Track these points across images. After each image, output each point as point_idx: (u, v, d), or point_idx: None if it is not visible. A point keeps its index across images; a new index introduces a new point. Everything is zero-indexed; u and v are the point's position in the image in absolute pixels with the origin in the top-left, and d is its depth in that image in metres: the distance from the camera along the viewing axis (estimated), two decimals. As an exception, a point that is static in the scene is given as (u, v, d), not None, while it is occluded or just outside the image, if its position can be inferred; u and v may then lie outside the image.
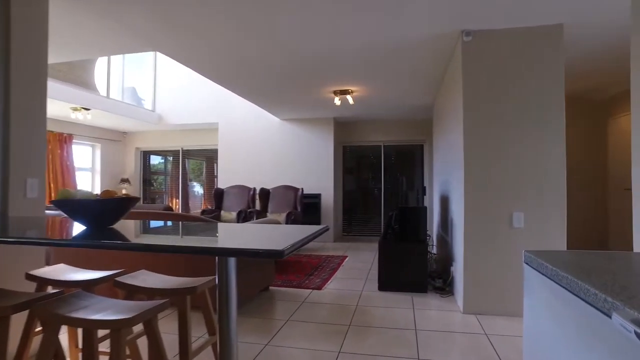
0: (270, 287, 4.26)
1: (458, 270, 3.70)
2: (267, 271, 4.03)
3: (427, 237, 4.33)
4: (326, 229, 1.78)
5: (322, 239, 7.72)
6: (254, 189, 7.33)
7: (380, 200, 8.23)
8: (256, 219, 6.62)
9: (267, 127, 8.03)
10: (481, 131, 3.36)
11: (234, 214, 6.98)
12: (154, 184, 10.36)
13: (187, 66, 4.70)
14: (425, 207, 4.22)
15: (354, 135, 8.31)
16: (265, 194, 7.24)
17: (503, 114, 3.33)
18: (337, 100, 5.70)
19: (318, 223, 7.75)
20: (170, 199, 10.26)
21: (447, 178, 4.63)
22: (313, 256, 6.10)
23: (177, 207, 9.73)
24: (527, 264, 1.39)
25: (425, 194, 7.96)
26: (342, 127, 8.31)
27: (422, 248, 4.07)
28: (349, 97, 5.67)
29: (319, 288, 4.24)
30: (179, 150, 9.53)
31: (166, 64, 8.54)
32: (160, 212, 3.53)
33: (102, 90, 7.43)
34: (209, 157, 9.59)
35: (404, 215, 4.20)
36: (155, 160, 10.41)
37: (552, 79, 3.27)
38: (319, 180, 7.75)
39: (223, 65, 4.57)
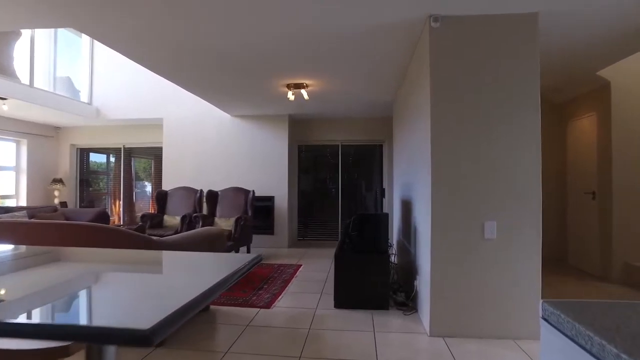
0: (211, 306, 3.70)
1: (423, 284, 3.30)
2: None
3: (389, 247, 3.92)
4: (257, 261, 1.30)
5: (276, 244, 7.20)
6: (201, 191, 6.70)
7: (338, 202, 7.82)
8: (202, 224, 6.00)
9: (216, 124, 7.41)
10: (451, 130, 2.98)
11: (178, 219, 6.32)
12: (94, 184, 9.43)
13: (117, 51, 4.05)
14: (387, 214, 3.81)
15: (311, 134, 7.85)
16: (212, 196, 6.62)
17: (474, 110, 2.96)
18: (290, 95, 5.20)
19: (270, 228, 7.22)
20: (113, 201, 9.36)
21: (409, 181, 4.26)
22: (264, 265, 5.57)
23: (119, 210, 8.88)
24: (545, 320, 0.96)
25: (384, 197, 7.63)
26: (298, 125, 7.82)
27: (384, 260, 3.65)
28: (303, 92, 5.19)
29: (268, 306, 3.72)
30: (120, 148, 8.68)
31: (104, 52, 7.69)
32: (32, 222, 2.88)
33: (25, 78, 6.52)
34: (158, 155, 8.79)
35: (363, 223, 3.77)
36: (97, 158, 9.49)
37: (526, 72, 2.93)
38: (272, 182, 7.22)
39: (157, 50, 3.95)
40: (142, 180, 9.45)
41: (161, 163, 8.50)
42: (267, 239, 7.20)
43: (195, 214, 6.10)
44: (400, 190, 5.15)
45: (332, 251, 6.86)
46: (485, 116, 2.94)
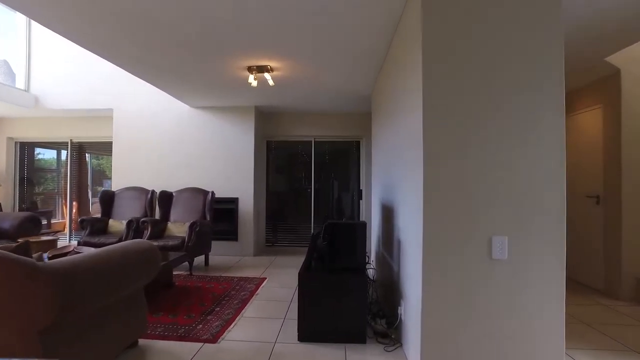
0: (141, 341, 2.90)
1: (410, 313, 2.60)
2: (134, 312, 2.68)
3: (367, 263, 3.20)
4: None
5: (240, 252, 6.40)
6: (152, 192, 5.84)
7: (311, 204, 7.08)
8: (151, 230, 5.16)
9: (174, 117, 6.55)
10: (450, 119, 2.27)
11: (124, 224, 5.44)
12: (43, 184, 8.39)
13: (51, 29, 3.22)
14: (364, 224, 3.08)
15: (281, 129, 7.08)
16: (166, 198, 5.78)
17: (481, 96, 2.26)
18: (252, 80, 4.42)
19: (233, 233, 6.41)
20: (64, 202, 8.35)
21: (391, 183, 3.55)
22: (222, 279, 4.77)
23: (70, 212, 7.90)
24: None
25: (361, 199, 6.93)
26: (266, 118, 7.04)
27: (361, 282, 2.92)
28: (267, 77, 4.42)
29: (215, 339, 2.95)
30: (67, 143, 7.69)
31: (44, 31, 6.72)
32: None
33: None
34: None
35: (336, 234, 3.03)
36: (46, 154, 8.46)
37: (547, 45, 2.25)
38: (236, 182, 6.41)
39: (92, 23, 3.11)
40: (109, 178, 8.47)
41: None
42: (229, 246, 6.39)
43: (143, 219, 5.25)
44: (380, 193, 4.44)
45: (302, 259, 6.13)
46: (495, 102, 2.25)
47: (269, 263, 5.87)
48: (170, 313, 3.53)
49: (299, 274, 2.98)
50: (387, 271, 3.61)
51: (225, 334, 3.07)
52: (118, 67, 4.58)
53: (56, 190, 8.29)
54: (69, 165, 7.72)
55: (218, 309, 3.65)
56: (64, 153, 7.98)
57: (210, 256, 5.94)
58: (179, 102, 6.41)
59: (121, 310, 2.54)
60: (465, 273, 2.24)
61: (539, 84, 2.22)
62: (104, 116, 7.07)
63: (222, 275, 5.02)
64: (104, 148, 7.79)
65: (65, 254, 3.69)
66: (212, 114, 6.50)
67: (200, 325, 3.22)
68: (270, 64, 4.26)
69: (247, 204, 6.39)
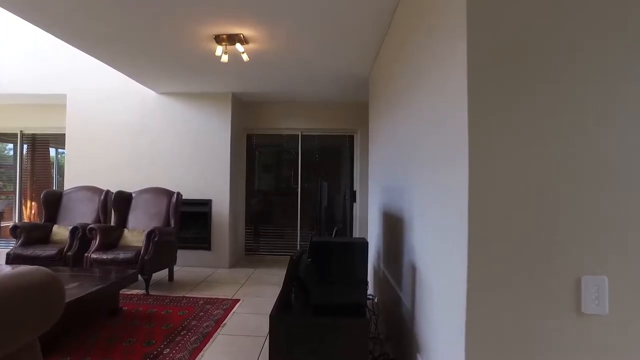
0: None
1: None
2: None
3: (368, 297, 2.33)
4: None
5: (212, 264, 5.48)
6: (107, 193, 4.89)
7: (297, 206, 6.18)
8: (100, 239, 4.22)
9: (137, 104, 5.60)
10: (514, 101, 1.39)
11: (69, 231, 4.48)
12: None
13: None
14: (365, 243, 2.18)
15: (263, 120, 6.16)
16: (123, 200, 4.83)
17: (562, 55, 1.38)
18: (220, 53, 3.51)
19: (205, 241, 5.49)
20: (24, 201, 7.33)
21: (399, 186, 2.67)
22: (185, 301, 3.86)
23: (29, 213, 6.90)
24: None
25: (355, 201, 6.05)
26: (247, 108, 6.12)
27: (360, 329, 2.03)
28: (240, 49, 3.51)
29: (149, 410, 2.05)
30: (17, 134, 6.69)
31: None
32: None
33: None
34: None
35: (325, 257, 2.14)
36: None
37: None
38: (210, 181, 5.49)
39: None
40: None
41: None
42: (201, 257, 5.47)
43: (91, 226, 4.30)
44: (381, 197, 3.56)
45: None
46: (584, 65, 1.37)
47: (247, 277, 4.97)
48: (106, 347, 2.62)
49: (270, 317, 2.07)
50: (391, 300, 2.74)
51: (166, 399, 2.17)
52: (71, 46, 3.70)
53: (12, 189, 7.27)
54: (19, 160, 6.71)
55: (168, 350, 2.74)
56: (23, 146, 6.96)
57: (176, 269, 5.02)
58: (143, 87, 5.47)
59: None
60: (534, 336, 1.36)
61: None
62: (60, 104, 6.08)
63: (187, 295, 4.10)
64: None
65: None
66: (181, 102, 5.57)
67: (136, 382, 2.32)
68: (243, 32, 3.35)
69: (222, 207, 5.47)
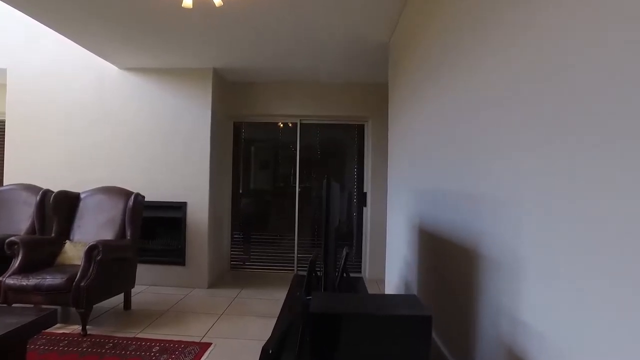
0: None
1: None
2: None
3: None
4: None
5: (188, 283, 4.36)
6: (45, 193, 3.77)
7: (295, 210, 5.07)
8: (24, 257, 3.10)
9: (94, 82, 4.48)
10: None
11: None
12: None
13: None
14: (428, 318, 1.06)
15: (253, 105, 5.03)
16: (66, 203, 3.70)
17: None
18: (180, -11, 2.40)
19: (179, 254, 4.37)
20: None
21: (472, 194, 1.55)
22: (132, 347, 2.74)
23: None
24: None
25: (365, 205, 4.94)
26: (232, 90, 5.00)
27: None
28: (210, -16, 2.40)
29: None
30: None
31: None
32: None
33: None
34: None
35: (339, 341, 1.01)
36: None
37: None
38: (184, 179, 4.37)
39: None
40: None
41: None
42: (173, 274, 4.35)
43: (11, 239, 3.16)
44: (415, 205, 2.43)
45: (282, 293, 4.15)
46: None
47: (228, 303, 3.86)
48: None
49: None
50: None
51: None
52: (9, 7, 2.62)
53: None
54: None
55: None
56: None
57: (141, 290, 3.91)
58: (103, 62, 4.35)
59: None
60: None
61: None
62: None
63: (139, 335, 2.98)
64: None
65: None
66: (149, 80, 4.44)
67: None
68: (212, -45, 2.23)
69: (199, 212, 4.34)
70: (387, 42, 3.55)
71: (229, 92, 4.95)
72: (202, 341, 2.91)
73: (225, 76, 4.72)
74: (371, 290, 4.27)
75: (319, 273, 3.18)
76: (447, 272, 1.71)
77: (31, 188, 3.94)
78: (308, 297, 2.70)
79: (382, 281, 4.43)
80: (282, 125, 5.17)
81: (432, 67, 2.09)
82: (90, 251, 3.03)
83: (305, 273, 2.22)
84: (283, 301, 3.88)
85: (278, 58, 4.06)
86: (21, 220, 3.78)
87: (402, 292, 2.64)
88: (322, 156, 5.18)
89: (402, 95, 2.98)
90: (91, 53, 4.14)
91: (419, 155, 2.35)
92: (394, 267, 3.04)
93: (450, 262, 1.70)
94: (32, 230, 3.68)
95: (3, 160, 4.59)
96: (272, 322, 3.39)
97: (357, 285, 2.67)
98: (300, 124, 5.06)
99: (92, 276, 2.99)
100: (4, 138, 4.57)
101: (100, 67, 4.43)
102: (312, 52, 3.85)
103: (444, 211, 1.78)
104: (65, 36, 3.66)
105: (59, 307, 3.40)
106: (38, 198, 3.72)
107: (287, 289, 4.41)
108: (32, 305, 3.10)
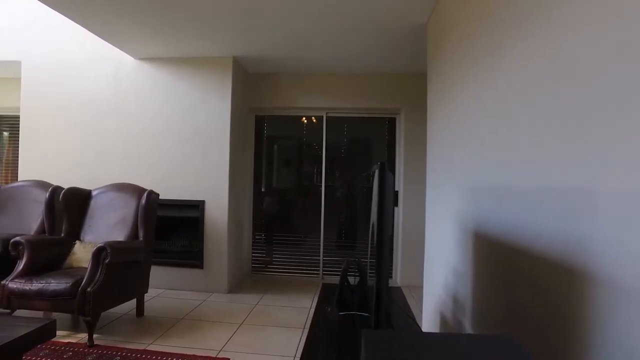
0: None
1: None
2: None
3: None
4: None
5: (205, 287, 4.07)
6: (55, 190, 3.54)
7: (320, 209, 4.72)
8: (29, 259, 2.86)
9: (109, 74, 4.25)
10: None
11: None
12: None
13: None
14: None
15: (276, 97, 4.70)
16: (77, 200, 3.46)
17: None
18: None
19: (197, 257, 4.09)
20: None
21: (571, 188, 1.16)
22: (141, 364, 2.45)
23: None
24: None
25: (396, 205, 4.54)
26: (254, 82, 4.69)
27: None
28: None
29: None
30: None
31: None
32: None
33: None
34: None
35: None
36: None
37: None
38: (202, 176, 4.08)
39: None
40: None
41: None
42: (191, 277, 4.07)
43: (16, 239, 2.92)
44: (468, 206, 2.03)
45: (306, 300, 3.83)
46: None
47: (249, 310, 3.55)
48: None
49: None
50: None
51: None
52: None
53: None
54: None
55: None
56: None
57: (156, 293, 3.65)
58: (119, 52, 4.11)
59: None
60: None
61: None
62: (13, 78, 4.76)
63: (149, 348, 2.69)
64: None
65: None
66: (166, 70, 4.17)
67: None
68: None
69: (218, 211, 4.05)
70: (425, 22, 3.16)
71: (250, 83, 4.64)
72: (218, 356, 2.59)
73: (246, 66, 4.41)
74: (409, 300, 3.88)
75: (351, 282, 2.82)
76: (527, 295, 1.32)
77: (42, 185, 3.73)
78: (341, 313, 2.35)
79: (417, 288, 4.03)
80: (305, 120, 4.83)
81: (496, 38, 1.70)
82: (98, 254, 2.76)
83: (333, 280, 1.87)
84: (309, 312, 3.56)
85: (303, 45, 3.72)
86: (32, 219, 3.56)
87: (450, 306, 2.25)
88: (350, 152, 4.81)
89: (445, 79, 2.59)
90: (106, 44, 3.91)
91: (471, 149, 1.96)
92: (435, 276, 2.66)
93: (526, 279, 1.31)
94: (42, 229, 3.45)
95: (18, 156, 4.41)
96: (296, 335, 3.05)
97: (394, 296, 2.30)
98: (326, 117, 4.71)
99: (100, 281, 2.71)
100: (18, 134, 4.40)
101: (116, 58, 4.19)
102: (340, 37, 3.49)
103: (517, 213, 1.39)
104: (81, 25, 3.42)
105: (67, 315, 3.16)
106: (47, 195, 3.49)
107: (313, 296, 4.09)
108: (41, 312, 2.87)
